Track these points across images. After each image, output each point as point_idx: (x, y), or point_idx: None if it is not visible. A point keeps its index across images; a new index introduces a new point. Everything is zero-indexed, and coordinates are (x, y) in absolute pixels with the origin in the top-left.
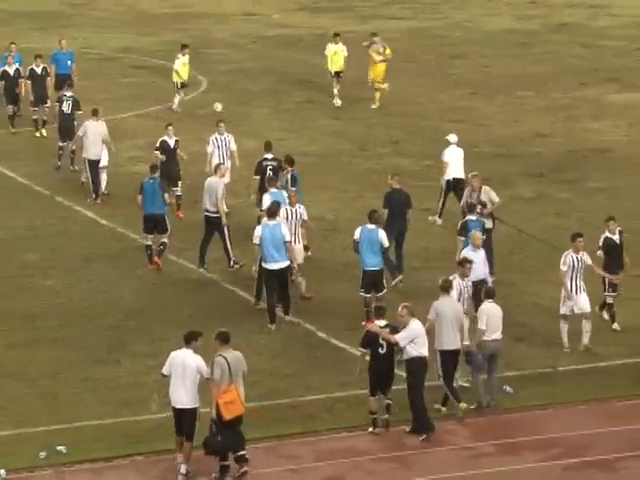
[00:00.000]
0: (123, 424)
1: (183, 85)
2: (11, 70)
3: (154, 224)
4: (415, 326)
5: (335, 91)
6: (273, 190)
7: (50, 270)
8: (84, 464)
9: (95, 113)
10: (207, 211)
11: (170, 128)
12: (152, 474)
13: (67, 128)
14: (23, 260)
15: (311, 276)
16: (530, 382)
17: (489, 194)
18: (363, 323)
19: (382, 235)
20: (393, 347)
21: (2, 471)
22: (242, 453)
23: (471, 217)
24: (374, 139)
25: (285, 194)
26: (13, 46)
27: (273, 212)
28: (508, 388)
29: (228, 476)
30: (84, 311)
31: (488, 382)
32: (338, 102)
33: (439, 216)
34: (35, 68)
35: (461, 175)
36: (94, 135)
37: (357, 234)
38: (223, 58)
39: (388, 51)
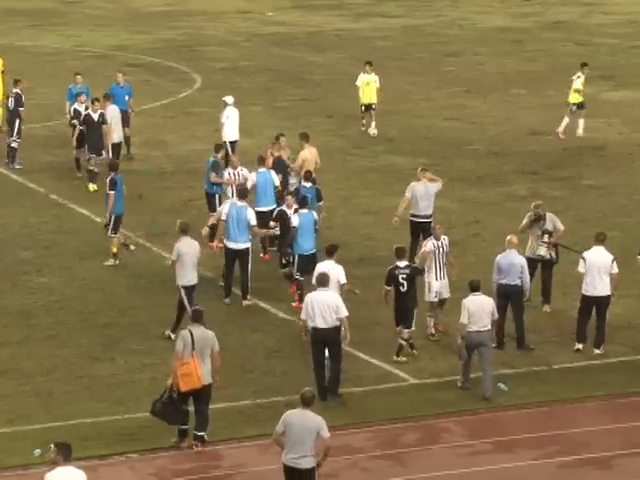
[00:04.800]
0: (118, 422)
1: (580, 106)
2: (95, 116)
3: None
4: None
5: (365, 121)
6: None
7: (45, 267)
8: (79, 462)
9: (107, 98)
10: None
11: (289, 198)
12: (147, 472)
13: (11, 125)
14: (18, 258)
15: None
16: (526, 380)
17: (554, 222)
18: (293, 304)
19: (315, 217)
20: (414, 286)
21: None
22: (200, 434)
23: (305, 184)
24: (367, 138)
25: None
26: (79, 77)
27: (244, 195)
28: (503, 386)
29: (186, 440)
30: (79, 308)
31: (483, 376)
32: (374, 131)
33: None
34: (92, 114)
35: (237, 137)
36: (115, 120)
37: (296, 221)
38: (217, 56)
39: None
